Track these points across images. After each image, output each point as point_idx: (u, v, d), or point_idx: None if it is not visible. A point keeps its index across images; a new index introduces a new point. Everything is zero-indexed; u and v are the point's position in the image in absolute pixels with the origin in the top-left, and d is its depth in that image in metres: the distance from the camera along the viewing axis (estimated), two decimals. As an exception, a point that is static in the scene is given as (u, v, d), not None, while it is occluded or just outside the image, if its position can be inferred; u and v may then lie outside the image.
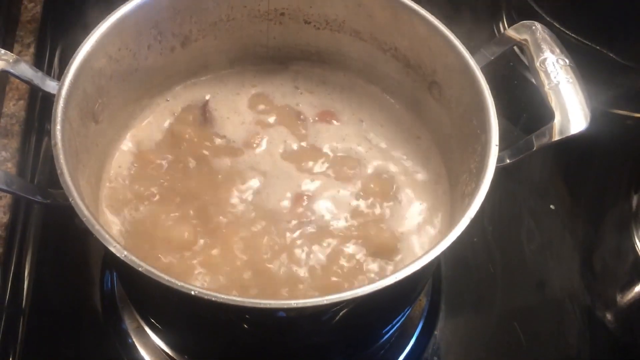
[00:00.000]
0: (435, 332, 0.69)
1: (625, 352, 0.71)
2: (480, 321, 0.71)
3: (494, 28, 0.99)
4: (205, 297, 0.41)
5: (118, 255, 0.43)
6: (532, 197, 0.80)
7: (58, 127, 0.48)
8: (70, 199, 0.45)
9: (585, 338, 0.71)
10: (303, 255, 0.57)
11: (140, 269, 0.42)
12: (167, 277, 0.41)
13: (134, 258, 0.42)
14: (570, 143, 0.53)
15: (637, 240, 0.77)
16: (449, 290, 0.71)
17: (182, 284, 0.41)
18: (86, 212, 0.44)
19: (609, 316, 0.73)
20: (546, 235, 0.78)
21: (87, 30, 0.90)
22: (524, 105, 0.86)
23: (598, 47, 0.83)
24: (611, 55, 0.84)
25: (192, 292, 0.41)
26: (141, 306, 0.62)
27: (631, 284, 0.76)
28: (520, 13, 0.95)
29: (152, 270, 0.42)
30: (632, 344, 0.71)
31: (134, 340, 0.67)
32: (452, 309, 0.71)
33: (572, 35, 0.84)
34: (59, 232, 0.72)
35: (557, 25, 0.85)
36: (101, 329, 0.68)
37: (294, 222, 0.59)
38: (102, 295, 0.69)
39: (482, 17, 1.00)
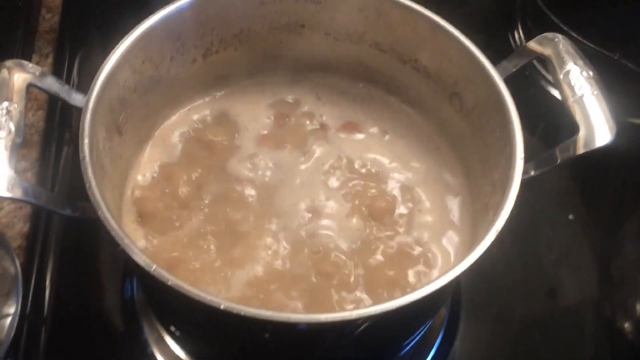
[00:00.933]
0: (456, 342, 0.69)
1: (646, 362, 0.70)
2: (500, 331, 0.71)
3: (509, 36, 0.99)
4: (234, 311, 0.41)
5: (146, 269, 0.43)
6: (550, 207, 0.80)
7: (86, 140, 0.49)
8: (99, 213, 0.45)
9: (605, 348, 0.71)
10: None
11: (169, 283, 0.42)
12: (196, 292, 0.42)
13: (162, 272, 0.43)
14: (588, 152, 0.53)
15: (656, 250, 0.77)
16: (468, 301, 0.71)
17: (210, 298, 0.42)
18: (115, 226, 0.45)
19: (628, 326, 0.73)
20: (565, 245, 0.78)
21: (105, 39, 0.93)
22: (541, 115, 0.86)
23: (615, 56, 0.83)
24: (628, 64, 0.84)
25: (221, 307, 0.41)
26: (163, 316, 0.62)
27: (650, 294, 0.76)
28: (536, 21, 0.95)
29: (181, 284, 0.42)
30: (653, 354, 0.71)
31: (154, 349, 0.67)
32: (471, 319, 0.70)
33: (589, 44, 0.84)
34: (79, 241, 0.73)
35: (574, 34, 0.85)
36: (121, 337, 0.69)
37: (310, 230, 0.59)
38: (122, 304, 0.69)
39: (497, 26, 1.00)
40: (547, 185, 0.81)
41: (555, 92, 0.89)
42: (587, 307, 0.74)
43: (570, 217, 0.79)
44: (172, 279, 0.42)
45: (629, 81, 0.84)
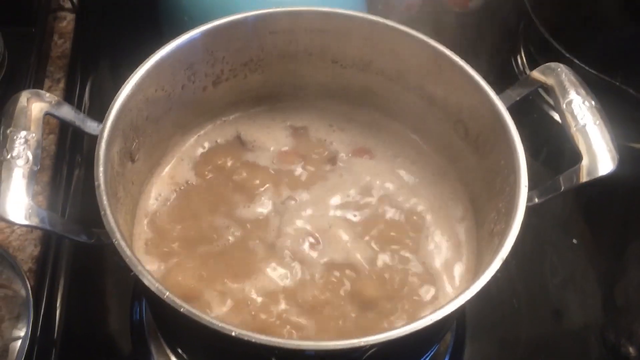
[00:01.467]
0: (461, 369, 0.69)
1: (652, 389, 0.70)
2: (505, 355, 0.72)
3: (512, 61, 1.01)
4: (245, 338, 0.42)
5: (159, 295, 0.44)
6: (554, 232, 0.81)
7: (101, 168, 0.50)
8: (113, 240, 0.46)
9: (612, 376, 0.71)
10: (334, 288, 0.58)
11: (182, 310, 0.43)
12: (208, 319, 0.42)
13: (175, 299, 0.44)
14: (591, 181, 0.54)
15: (660, 274, 0.77)
16: (473, 325, 0.72)
17: (222, 325, 0.42)
18: (129, 253, 0.46)
19: (633, 351, 0.73)
20: (569, 269, 0.79)
21: (114, 65, 0.95)
22: (544, 139, 0.87)
23: (617, 82, 0.85)
24: (630, 90, 0.85)
25: (233, 334, 0.42)
26: (172, 340, 0.63)
27: (654, 319, 0.76)
28: (538, 47, 0.96)
29: (194, 311, 0.43)
30: (658, 380, 0.71)
31: (163, 373, 0.68)
32: (476, 343, 0.71)
33: (590, 70, 0.86)
34: (88, 264, 0.74)
35: (575, 60, 0.86)
36: (130, 360, 0.69)
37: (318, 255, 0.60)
38: (131, 327, 0.70)
39: (500, 51, 1.02)
40: (551, 210, 0.82)
41: (558, 117, 0.91)
42: (592, 331, 0.74)
43: (575, 241, 0.80)
44: (185, 306, 0.43)
45: (631, 107, 0.85)
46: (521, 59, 1.00)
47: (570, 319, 0.75)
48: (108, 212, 0.48)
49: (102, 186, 0.49)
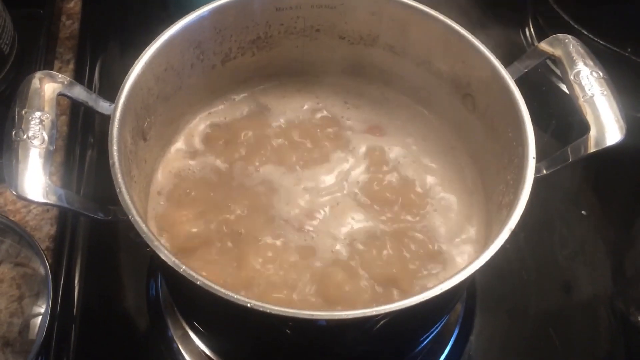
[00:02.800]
0: (471, 338, 0.70)
1: (660, 356, 0.71)
2: (514, 327, 0.73)
3: (520, 33, 1.00)
4: (261, 309, 0.43)
5: (176, 269, 0.45)
6: (563, 204, 0.81)
7: (115, 147, 0.51)
8: (130, 217, 0.47)
9: (619, 343, 0.72)
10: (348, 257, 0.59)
11: (198, 282, 0.44)
12: (224, 291, 0.44)
13: (191, 272, 0.45)
14: (599, 151, 0.54)
15: (669, 245, 0.77)
16: (483, 297, 0.73)
17: (238, 297, 0.44)
18: (145, 229, 0.47)
19: (642, 321, 0.74)
20: (578, 241, 0.79)
21: (124, 44, 0.95)
22: (553, 112, 0.87)
23: (626, 53, 0.84)
24: (639, 60, 0.85)
25: (248, 305, 0.43)
26: (188, 313, 0.65)
27: (663, 288, 0.77)
28: (547, 19, 0.96)
29: (209, 283, 0.44)
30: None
31: (179, 346, 0.69)
32: (486, 315, 0.72)
33: (599, 41, 0.85)
34: (104, 242, 0.76)
35: (584, 31, 0.86)
36: (148, 334, 0.71)
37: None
38: (147, 302, 0.72)
39: (509, 23, 1.01)
40: (560, 182, 0.82)
41: (567, 90, 0.90)
42: (601, 302, 0.75)
43: (583, 212, 0.80)
44: (201, 279, 0.44)
45: (639, 77, 0.85)
46: (529, 32, 0.99)
47: (579, 290, 0.76)
48: (124, 189, 0.49)
49: (117, 164, 0.50)
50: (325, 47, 0.69)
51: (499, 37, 0.99)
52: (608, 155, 0.81)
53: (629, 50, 0.83)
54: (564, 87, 0.90)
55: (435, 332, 0.65)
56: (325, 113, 0.70)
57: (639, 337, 0.73)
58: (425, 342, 0.65)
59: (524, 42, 0.98)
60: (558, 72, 0.91)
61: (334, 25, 0.67)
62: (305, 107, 0.71)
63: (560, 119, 0.86)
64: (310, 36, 0.68)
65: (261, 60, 0.69)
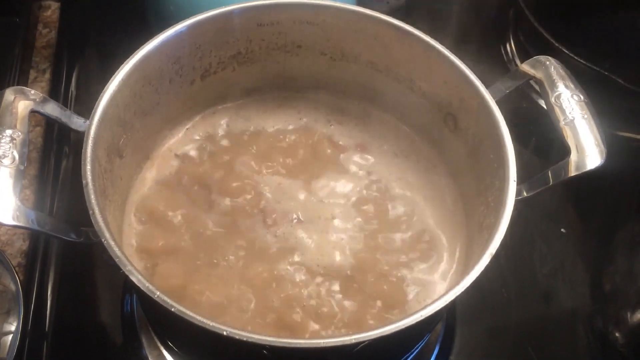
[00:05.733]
0: (451, 357, 0.70)
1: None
2: (494, 345, 0.72)
3: (501, 49, 1.00)
4: (237, 337, 0.42)
5: (150, 295, 0.44)
6: (543, 221, 0.81)
7: (88, 167, 0.50)
8: (102, 240, 0.46)
9: (598, 361, 0.73)
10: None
11: (172, 310, 0.43)
12: (199, 318, 0.43)
13: (166, 299, 0.44)
14: (579, 175, 0.54)
15: (647, 262, 0.78)
16: (463, 315, 0.72)
17: (214, 324, 0.43)
18: (118, 253, 0.46)
19: (621, 338, 0.74)
20: (558, 259, 0.79)
21: (102, 53, 0.93)
22: (533, 129, 0.87)
23: (606, 72, 0.85)
24: (618, 79, 0.86)
25: (224, 333, 0.42)
26: (164, 334, 0.63)
27: (641, 306, 0.77)
28: (527, 36, 0.96)
29: (185, 311, 0.43)
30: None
31: (154, 365, 0.68)
32: (466, 333, 0.72)
33: (579, 59, 0.86)
34: (78, 257, 0.73)
35: (565, 50, 0.86)
36: (121, 353, 0.69)
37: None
38: (122, 319, 0.70)
39: (490, 39, 1.01)
40: (540, 200, 0.82)
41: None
42: (581, 320, 0.75)
43: (563, 230, 0.81)
44: (176, 306, 0.43)
45: (619, 96, 0.85)
46: (510, 48, 1.00)
47: (558, 307, 0.76)
48: (97, 211, 0.47)
49: (90, 185, 0.49)
50: (306, 63, 0.69)
51: (479, 52, 1.00)
52: (587, 173, 0.81)
53: (608, 69, 0.84)
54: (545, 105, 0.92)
55: (415, 352, 0.64)
56: (307, 129, 0.69)
57: (616, 355, 0.73)
58: (406, 362, 0.65)
59: (505, 58, 0.99)
60: (539, 89, 0.92)
61: (315, 41, 0.67)
62: (287, 122, 0.70)
63: (540, 136, 0.87)
64: (292, 52, 0.68)
65: (242, 75, 0.68)
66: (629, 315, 0.76)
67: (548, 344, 0.73)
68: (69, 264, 0.73)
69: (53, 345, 0.68)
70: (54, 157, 0.82)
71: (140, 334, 0.69)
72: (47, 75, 0.89)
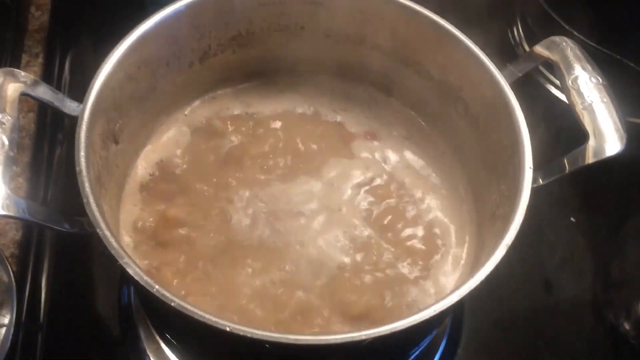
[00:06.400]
0: (459, 351, 0.68)
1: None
2: (503, 338, 0.70)
3: (508, 33, 0.97)
4: (240, 333, 0.40)
5: (148, 289, 0.42)
6: (552, 211, 0.79)
7: (82, 152, 0.47)
8: (98, 230, 0.44)
9: (609, 353, 0.71)
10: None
11: (172, 304, 0.41)
12: (201, 313, 0.40)
13: (166, 293, 0.41)
14: (597, 162, 0.52)
15: (659, 251, 0.76)
16: (471, 306, 0.70)
17: (216, 320, 0.40)
18: (115, 244, 0.43)
19: (631, 329, 0.72)
20: (567, 248, 0.77)
21: (97, 37, 0.90)
22: (545, 118, 0.84)
23: (618, 56, 0.82)
24: (631, 64, 0.83)
25: (227, 329, 0.40)
26: (162, 328, 0.61)
27: (653, 296, 0.75)
28: (536, 19, 0.93)
29: (187, 306, 0.41)
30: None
31: (152, 358, 0.66)
32: (474, 325, 0.70)
33: (591, 43, 0.83)
34: (73, 247, 0.71)
35: (575, 33, 0.83)
36: (118, 346, 0.67)
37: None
38: (119, 311, 0.68)
39: (497, 24, 0.98)
40: (548, 188, 0.79)
41: (559, 95, 0.88)
42: (591, 311, 0.73)
43: (572, 219, 0.78)
44: (176, 300, 0.41)
45: (631, 81, 0.83)
46: (517, 31, 0.97)
47: (567, 298, 0.74)
48: (91, 199, 0.45)
49: (84, 172, 0.46)
50: (310, 46, 0.66)
51: (485, 36, 0.96)
52: (597, 162, 0.79)
53: (620, 52, 0.81)
54: (555, 92, 0.90)
55: (423, 346, 0.62)
56: (311, 115, 0.67)
57: (627, 346, 0.71)
58: (413, 356, 0.63)
59: (512, 41, 0.96)
60: (551, 77, 0.90)
61: (319, 22, 0.64)
62: (290, 108, 0.67)
63: (551, 126, 0.84)
64: (295, 34, 0.65)
65: (242, 58, 0.65)
66: (639, 307, 0.74)
67: (557, 335, 0.71)
68: (64, 255, 0.71)
69: (48, 338, 0.66)
70: (47, 144, 0.79)
71: (138, 326, 0.67)
72: (40, 60, 0.86)
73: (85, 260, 0.72)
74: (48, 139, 0.79)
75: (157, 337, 0.65)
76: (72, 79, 0.87)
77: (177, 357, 0.63)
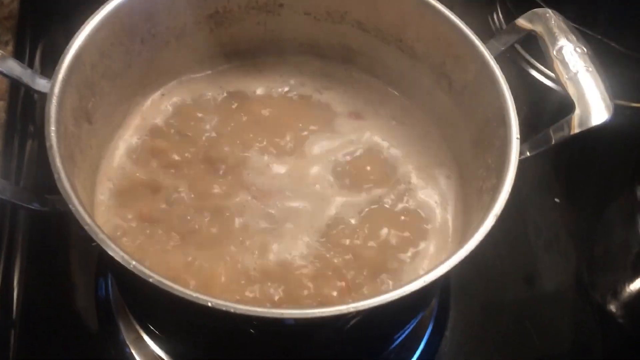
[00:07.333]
0: (446, 333, 0.67)
1: (637, 345, 0.69)
2: (490, 320, 0.70)
3: (489, 19, 0.97)
4: (223, 308, 0.38)
5: (125, 265, 0.40)
6: (536, 192, 0.79)
7: (52, 127, 0.45)
8: (70, 206, 0.41)
9: (596, 332, 0.70)
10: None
11: (150, 280, 0.39)
12: (181, 289, 0.38)
13: (143, 269, 0.39)
14: (583, 132, 0.51)
15: (642, 231, 0.76)
16: (457, 289, 0.69)
17: (197, 295, 0.38)
18: (88, 220, 0.41)
19: (617, 310, 0.72)
20: (552, 229, 0.77)
21: (69, 26, 0.87)
22: (523, 98, 0.83)
23: (598, 36, 0.82)
24: (611, 43, 0.83)
25: (209, 304, 0.38)
26: (142, 315, 0.59)
27: (636, 276, 0.75)
28: (516, 2, 0.93)
29: (165, 281, 0.39)
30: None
31: (132, 350, 0.64)
32: (461, 308, 0.69)
33: (572, 24, 0.83)
34: (47, 237, 0.69)
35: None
36: (97, 338, 0.65)
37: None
38: (97, 303, 0.66)
39: (476, 8, 0.98)
40: (532, 170, 0.79)
41: (537, 75, 0.88)
42: (577, 292, 0.73)
43: (557, 200, 0.78)
44: (154, 276, 0.39)
45: (613, 61, 0.82)
46: (497, 16, 0.96)
47: (555, 280, 0.74)
48: (62, 175, 0.43)
49: (55, 147, 0.44)
50: (289, 24, 0.64)
51: (465, 22, 0.97)
52: (580, 140, 0.78)
53: (600, 32, 0.81)
54: (534, 73, 0.89)
55: (410, 328, 0.61)
56: (293, 95, 0.65)
57: (614, 326, 0.71)
58: (400, 339, 0.61)
59: (492, 27, 0.96)
60: (528, 57, 0.89)
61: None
62: (270, 88, 0.66)
63: (532, 105, 0.84)
64: (274, 12, 0.63)
65: (220, 37, 0.64)
66: (625, 286, 0.74)
67: (544, 317, 0.70)
68: (38, 245, 0.69)
69: (21, 333, 0.64)
70: (18, 135, 0.76)
71: (117, 318, 0.65)
72: (10, 48, 0.83)
73: (61, 251, 0.69)
74: (19, 129, 0.77)
75: (138, 328, 0.63)
76: (43, 67, 0.84)
77: (158, 345, 0.61)
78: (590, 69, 0.51)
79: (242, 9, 0.62)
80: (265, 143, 0.60)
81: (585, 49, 0.52)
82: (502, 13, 0.96)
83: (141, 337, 0.62)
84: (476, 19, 0.94)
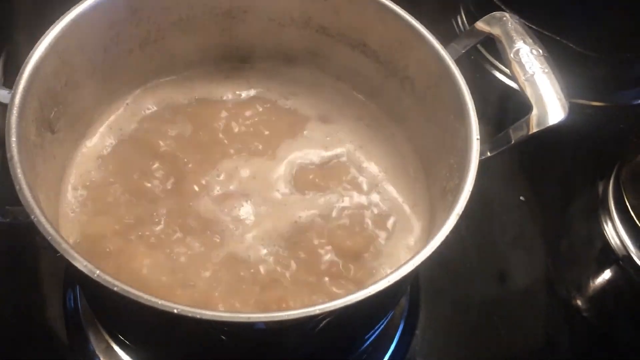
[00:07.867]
0: (417, 332, 0.67)
1: (603, 339, 0.71)
2: (459, 317, 0.71)
3: (453, 22, 0.99)
4: (189, 314, 0.38)
5: (89, 275, 0.40)
6: (502, 190, 0.80)
7: (13, 138, 0.44)
8: (32, 217, 0.41)
9: (563, 328, 0.72)
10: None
11: (115, 289, 0.39)
12: (147, 297, 0.38)
13: (108, 277, 0.39)
14: (541, 131, 0.52)
15: (605, 226, 0.78)
16: (427, 288, 0.70)
17: (163, 302, 0.38)
18: (51, 231, 0.41)
19: (583, 304, 0.74)
20: (518, 227, 0.78)
21: (31, 35, 0.86)
22: (486, 99, 0.85)
23: (557, 37, 0.84)
24: (570, 44, 0.85)
25: (175, 311, 0.38)
26: (111, 325, 0.58)
27: (601, 270, 0.77)
28: (478, 5, 0.95)
29: (129, 289, 0.39)
30: (608, 330, 0.72)
31: (102, 359, 0.63)
32: (431, 306, 0.70)
33: (531, 26, 0.85)
34: (13, 249, 0.68)
35: (516, 16, 0.85)
36: (66, 350, 0.64)
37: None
38: (65, 314, 0.65)
39: (440, 12, 1.00)
40: (497, 168, 0.81)
41: (499, 76, 0.90)
42: (543, 287, 0.74)
43: (522, 198, 0.80)
44: (118, 285, 0.39)
45: (571, 62, 0.84)
46: (462, 20, 0.98)
47: (522, 276, 0.75)
48: (24, 186, 0.42)
49: (16, 158, 0.43)
50: (254, 30, 0.65)
51: (429, 26, 0.98)
52: (542, 139, 0.80)
53: (560, 34, 0.83)
54: (496, 74, 0.91)
55: (380, 328, 0.62)
56: (260, 100, 0.65)
57: (581, 321, 0.72)
58: (371, 339, 0.62)
59: (457, 30, 0.97)
60: (491, 58, 0.91)
61: (262, 6, 0.63)
62: (237, 94, 0.66)
63: (494, 105, 0.85)
64: (238, 18, 0.64)
65: (184, 44, 0.64)
66: (590, 280, 0.76)
67: (512, 312, 0.71)
68: (3, 256, 0.68)
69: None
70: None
71: (87, 328, 0.64)
72: (-29, 60, 0.82)
73: (27, 264, 0.68)
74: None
75: (107, 338, 0.63)
76: (6, 78, 0.83)
77: (127, 354, 0.60)
78: (546, 70, 0.52)
79: (205, 15, 0.62)
80: (233, 149, 0.61)
81: (541, 51, 0.54)
82: (465, 16, 0.98)
83: (111, 347, 0.62)
84: (441, 23, 0.98)
